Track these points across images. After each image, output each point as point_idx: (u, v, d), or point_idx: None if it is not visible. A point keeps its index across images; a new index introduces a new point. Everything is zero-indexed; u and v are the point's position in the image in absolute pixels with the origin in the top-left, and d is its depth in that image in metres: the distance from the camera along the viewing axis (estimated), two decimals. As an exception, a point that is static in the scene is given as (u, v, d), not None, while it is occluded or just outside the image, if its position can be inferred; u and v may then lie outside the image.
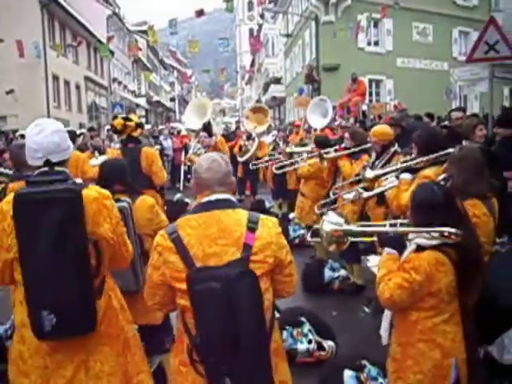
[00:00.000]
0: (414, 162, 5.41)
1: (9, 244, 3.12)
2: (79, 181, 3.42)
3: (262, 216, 3.01)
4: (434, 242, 3.31)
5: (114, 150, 8.13)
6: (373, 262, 3.70)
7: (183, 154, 15.38)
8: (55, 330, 3.04)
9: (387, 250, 3.51)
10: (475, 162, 4.18)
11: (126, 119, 7.12)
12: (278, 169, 9.86)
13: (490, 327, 3.91)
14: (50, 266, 3.01)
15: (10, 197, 3.18)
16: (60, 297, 3.03)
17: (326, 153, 7.86)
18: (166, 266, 2.90)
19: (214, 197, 2.98)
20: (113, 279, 3.50)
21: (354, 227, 3.74)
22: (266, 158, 11.97)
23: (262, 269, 2.88)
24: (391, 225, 3.74)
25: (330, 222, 3.59)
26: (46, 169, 3.25)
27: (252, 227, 2.90)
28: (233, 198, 3.07)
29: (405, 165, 5.53)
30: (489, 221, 4.05)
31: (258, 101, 53.72)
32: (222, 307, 2.70)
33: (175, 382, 3.04)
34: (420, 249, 3.35)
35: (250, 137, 13.86)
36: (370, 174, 6.02)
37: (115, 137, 15.73)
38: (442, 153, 5.10)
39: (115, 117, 7.40)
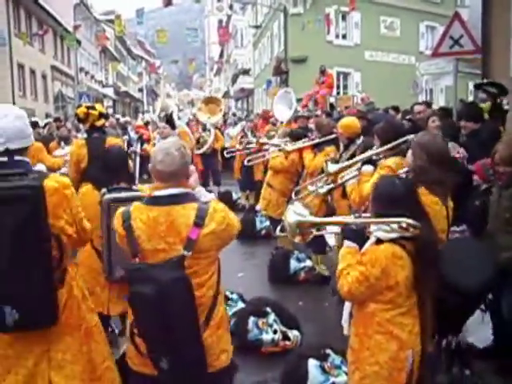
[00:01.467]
0: (375, 152, 5.47)
1: None
2: (40, 167, 3.39)
3: (211, 209, 3.08)
4: (393, 235, 3.32)
5: (79, 141, 8.01)
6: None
7: (139, 145, 15.28)
8: (18, 325, 3.05)
9: (347, 242, 3.52)
10: (435, 150, 4.18)
11: (90, 108, 7.04)
12: (248, 161, 9.82)
13: (455, 315, 3.96)
14: (9, 264, 3.00)
15: None
16: (21, 293, 3.03)
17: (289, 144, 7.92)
18: (124, 246, 3.13)
19: (165, 192, 3.08)
20: (75, 267, 3.50)
21: (317, 219, 3.76)
22: (238, 147, 11.90)
23: (208, 259, 3.08)
24: (355, 217, 3.74)
25: (295, 213, 3.61)
26: (4, 159, 3.20)
27: (199, 223, 3.00)
28: (185, 190, 3.14)
29: (366, 156, 5.59)
30: (440, 209, 4.05)
31: (227, 92, 53.60)
32: (154, 310, 2.87)
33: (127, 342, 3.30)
34: (379, 242, 3.37)
35: (205, 128, 13.81)
36: (332, 168, 6.03)
37: (81, 127, 15.57)
38: (400, 140, 5.15)
39: (79, 105, 7.31)
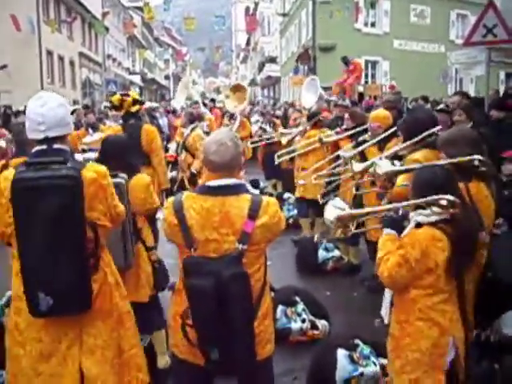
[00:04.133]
0: (401, 147, 5.38)
1: (6, 220, 3.14)
2: (79, 157, 3.40)
3: (264, 202, 3.08)
4: (432, 219, 3.33)
5: (108, 128, 8.07)
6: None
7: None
8: (51, 310, 3.09)
9: (386, 230, 3.53)
10: (473, 141, 4.17)
11: (124, 95, 7.08)
12: (279, 157, 9.66)
13: (492, 308, 3.96)
14: (46, 251, 3.03)
15: (8, 173, 3.18)
16: (56, 280, 3.06)
17: (326, 136, 7.83)
18: (173, 236, 3.12)
19: (219, 182, 3.08)
20: (109, 254, 3.52)
21: (356, 211, 3.76)
22: (260, 138, 11.85)
23: (258, 251, 3.10)
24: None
25: (335, 207, 3.61)
26: (44, 147, 3.20)
27: (252, 215, 3.01)
28: (238, 181, 3.14)
29: (392, 152, 5.50)
30: (491, 203, 4.06)
31: (253, 80, 53.48)
32: (211, 303, 2.90)
33: (171, 330, 3.30)
34: (419, 226, 3.38)
35: (232, 116, 13.75)
36: (357, 167, 5.91)
37: (110, 114, 15.68)
38: (425, 134, 5.06)
39: (113, 93, 7.38)
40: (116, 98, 7.02)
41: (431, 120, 5.35)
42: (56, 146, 3.21)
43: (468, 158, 3.67)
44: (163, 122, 19.03)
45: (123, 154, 4.64)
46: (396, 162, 5.24)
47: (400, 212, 3.63)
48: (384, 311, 3.71)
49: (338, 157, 7.04)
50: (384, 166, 4.86)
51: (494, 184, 4.25)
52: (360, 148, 6.49)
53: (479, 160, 3.62)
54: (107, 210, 3.31)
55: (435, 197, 3.30)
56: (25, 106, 15.35)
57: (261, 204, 3.05)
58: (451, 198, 3.25)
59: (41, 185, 3.01)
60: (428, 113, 6.30)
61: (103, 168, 3.33)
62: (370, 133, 6.74)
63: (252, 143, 11.74)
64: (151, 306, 4.73)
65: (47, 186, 3.00)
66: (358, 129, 7.28)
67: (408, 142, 5.20)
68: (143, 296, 4.59)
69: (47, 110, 3.16)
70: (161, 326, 4.83)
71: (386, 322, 3.69)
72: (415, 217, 3.42)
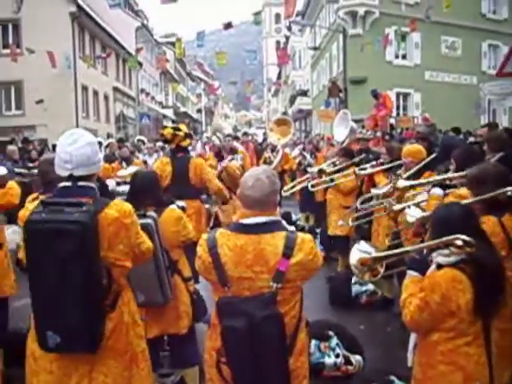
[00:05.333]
0: (449, 176, 5.31)
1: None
2: (125, 188, 3.38)
3: (299, 239, 3.06)
4: (452, 259, 3.23)
5: (164, 158, 8.10)
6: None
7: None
8: (58, 348, 3.10)
9: (410, 272, 3.45)
10: (499, 176, 4.11)
11: (176, 129, 7.19)
12: (312, 186, 9.63)
13: None
14: (55, 292, 3.04)
15: (31, 206, 3.25)
16: (64, 320, 3.06)
17: (362, 169, 7.78)
18: (207, 274, 3.13)
19: (253, 220, 3.08)
20: (130, 292, 3.49)
21: (379, 254, 3.71)
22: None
23: (293, 289, 3.07)
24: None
25: (360, 251, 3.59)
26: (69, 184, 3.22)
27: (287, 253, 2.99)
28: (273, 219, 3.13)
29: (439, 178, 5.44)
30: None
31: (285, 113, 53.75)
32: (244, 344, 2.92)
33: (206, 364, 3.29)
34: (440, 267, 3.29)
35: (274, 149, 13.80)
36: (402, 183, 5.89)
37: (143, 147, 15.91)
38: (499, 191, 4.81)
39: (164, 126, 7.51)
40: (168, 132, 7.12)
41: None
42: (81, 183, 3.22)
43: (499, 191, 3.58)
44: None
45: (153, 189, 4.67)
46: (437, 189, 5.17)
47: (424, 252, 3.55)
48: (409, 353, 3.63)
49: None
50: (413, 213, 4.84)
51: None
52: (389, 185, 6.40)
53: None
54: (129, 249, 3.29)
55: (450, 237, 3.19)
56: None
57: (296, 241, 3.03)
58: (465, 237, 3.13)
59: (51, 228, 3.01)
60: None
61: (127, 206, 3.31)
62: (403, 168, 6.71)
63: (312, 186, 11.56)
64: (188, 338, 4.72)
65: (57, 231, 3.00)
66: (394, 163, 7.21)
67: (459, 173, 5.06)
68: (182, 327, 4.59)
69: (75, 149, 3.18)
70: (195, 363, 4.79)
71: (409, 364, 3.61)
72: (435, 258, 3.34)
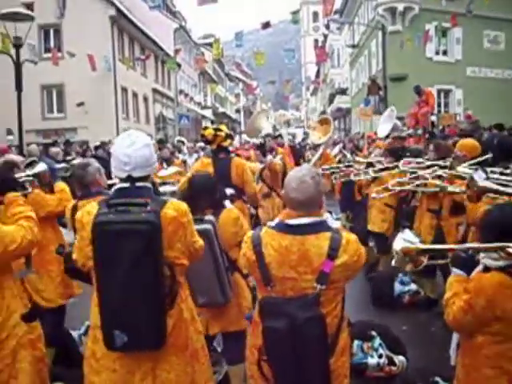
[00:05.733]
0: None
1: (87, 253, 3.21)
2: (167, 188, 3.41)
3: (344, 240, 3.05)
4: (501, 263, 3.11)
5: (205, 159, 8.12)
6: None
7: None
8: (125, 347, 3.15)
9: (455, 270, 3.37)
10: None
11: (217, 130, 7.22)
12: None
13: None
14: (123, 291, 3.09)
15: (91, 208, 3.26)
16: (132, 319, 3.11)
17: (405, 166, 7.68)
18: (251, 271, 3.21)
19: (298, 221, 3.08)
20: (188, 289, 3.53)
21: (424, 246, 3.63)
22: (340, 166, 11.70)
23: (336, 289, 3.09)
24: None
25: (404, 240, 3.52)
26: (127, 185, 3.27)
27: (332, 254, 2.99)
28: (318, 219, 3.13)
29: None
30: None
31: (324, 112, 53.54)
32: (286, 345, 2.93)
33: (248, 361, 3.38)
34: (487, 269, 3.19)
35: (314, 148, 13.74)
36: (463, 169, 5.70)
37: (184, 148, 16.02)
38: None
39: (205, 127, 7.55)
40: (209, 133, 7.16)
41: None
42: (139, 184, 3.27)
43: (501, 244, 3.39)
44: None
45: (211, 191, 4.69)
46: None
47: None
48: (452, 351, 3.55)
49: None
50: (481, 181, 4.72)
51: None
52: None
53: None
54: (186, 247, 3.33)
55: (500, 244, 3.08)
56: (101, 142, 15.90)
57: (340, 242, 3.03)
58: None
59: (121, 229, 3.06)
60: None
61: (184, 206, 3.34)
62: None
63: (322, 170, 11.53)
64: (244, 334, 4.72)
65: (127, 231, 3.05)
66: (441, 161, 7.07)
67: None
68: (245, 324, 4.55)
69: (133, 151, 3.22)
70: (244, 359, 4.80)
71: (452, 363, 3.53)
72: (483, 259, 3.23)
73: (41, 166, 5.20)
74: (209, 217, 4.32)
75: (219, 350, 5.29)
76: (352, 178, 8.99)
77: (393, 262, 3.74)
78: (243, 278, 4.69)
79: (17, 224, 3.66)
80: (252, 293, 4.70)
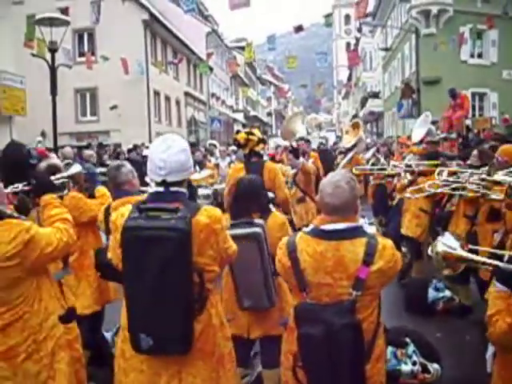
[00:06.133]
0: None
1: (120, 256, 3.22)
2: (201, 191, 3.39)
3: (380, 246, 3.03)
4: None
5: (237, 164, 8.13)
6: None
7: None
8: (151, 350, 3.15)
9: (498, 285, 3.16)
10: None
11: (249, 134, 7.23)
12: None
13: None
14: (150, 297, 3.08)
15: (125, 210, 3.27)
16: (158, 324, 3.11)
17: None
18: (286, 277, 3.21)
19: (333, 226, 3.07)
20: (218, 295, 3.52)
21: (466, 254, 3.52)
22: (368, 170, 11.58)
23: (372, 295, 3.07)
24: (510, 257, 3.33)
25: (445, 244, 3.44)
26: (161, 189, 3.27)
27: (368, 260, 2.97)
28: (353, 225, 3.12)
29: None
30: None
31: (356, 115, 53.21)
32: (322, 352, 2.90)
33: (283, 367, 3.38)
34: None
35: (346, 152, 13.65)
36: (501, 176, 5.58)
37: (216, 151, 16.06)
38: None
39: (238, 131, 7.57)
40: (242, 137, 7.17)
41: None
42: (173, 188, 3.25)
43: None
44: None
45: (258, 195, 4.68)
46: None
47: None
48: (488, 358, 3.47)
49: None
50: None
51: None
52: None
53: None
54: (218, 254, 3.30)
55: None
56: (134, 145, 16.02)
57: (376, 248, 3.00)
58: None
59: (149, 235, 3.05)
60: None
61: (217, 212, 3.31)
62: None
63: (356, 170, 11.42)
64: (281, 338, 4.71)
65: (156, 237, 3.04)
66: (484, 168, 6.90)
67: None
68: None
69: (169, 156, 3.21)
70: (279, 363, 4.78)
71: (488, 370, 3.45)
72: None
73: (76, 168, 5.25)
74: (258, 220, 4.31)
75: (252, 352, 5.26)
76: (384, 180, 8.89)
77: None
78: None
79: (53, 226, 3.69)
80: None
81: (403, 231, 8.42)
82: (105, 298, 5.59)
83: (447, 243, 3.46)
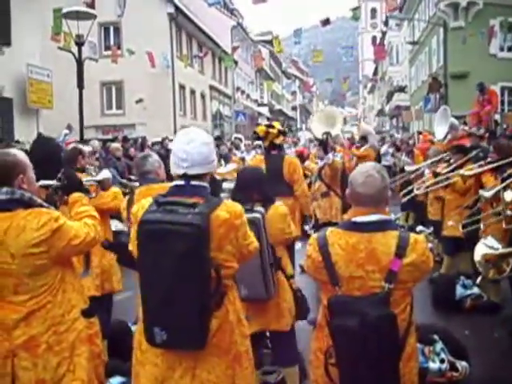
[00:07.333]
0: None
1: None
2: (226, 185, 3.37)
3: (412, 239, 3.00)
4: None
5: (258, 156, 8.13)
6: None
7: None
8: (164, 344, 3.12)
9: None
10: None
11: (269, 126, 7.22)
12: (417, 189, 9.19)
13: None
14: (165, 291, 3.06)
15: (146, 202, 3.25)
16: (173, 319, 3.08)
17: (468, 170, 7.43)
18: (317, 273, 3.14)
19: (365, 218, 3.04)
20: (236, 291, 3.47)
21: (508, 250, 3.48)
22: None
23: (404, 290, 3.03)
24: None
25: (486, 246, 3.40)
26: (182, 182, 3.24)
27: (400, 253, 2.94)
28: (385, 217, 3.09)
29: None
30: None
31: (381, 110, 52.89)
32: (356, 344, 2.85)
33: (311, 365, 3.33)
34: None
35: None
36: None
37: (241, 145, 16.06)
38: None
39: (257, 124, 7.59)
40: (261, 129, 7.17)
41: None
42: (194, 182, 3.22)
43: None
44: (291, 152, 19.18)
45: (260, 185, 4.65)
46: None
47: None
48: None
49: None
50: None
51: None
52: (503, 184, 6.07)
53: None
54: (237, 249, 3.27)
55: None
56: (162, 138, 16.07)
57: (409, 241, 2.96)
58: None
59: (165, 229, 3.02)
60: None
61: (238, 207, 3.28)
62: None
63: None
64: (289, 336, 4.69)
65: (171, 232, 3.01)
66: (501, 162, 6.81)
67: None
68: (285, 325, 4.57)
69: (192, 148, 3.19)
70: (295, 361, 4.75)
71: None
72: None
73: (105, 173, 5.30)
74: (259, 208, 4.29)
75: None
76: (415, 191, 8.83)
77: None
78: (286, 279, 4.64)
79: (81, 221, 3.71)
80: (294, 295, 4.66)
81: (448, 233, 8.19)
82: (107, 288, 5.64)
83: (489, 244, 3.43)
